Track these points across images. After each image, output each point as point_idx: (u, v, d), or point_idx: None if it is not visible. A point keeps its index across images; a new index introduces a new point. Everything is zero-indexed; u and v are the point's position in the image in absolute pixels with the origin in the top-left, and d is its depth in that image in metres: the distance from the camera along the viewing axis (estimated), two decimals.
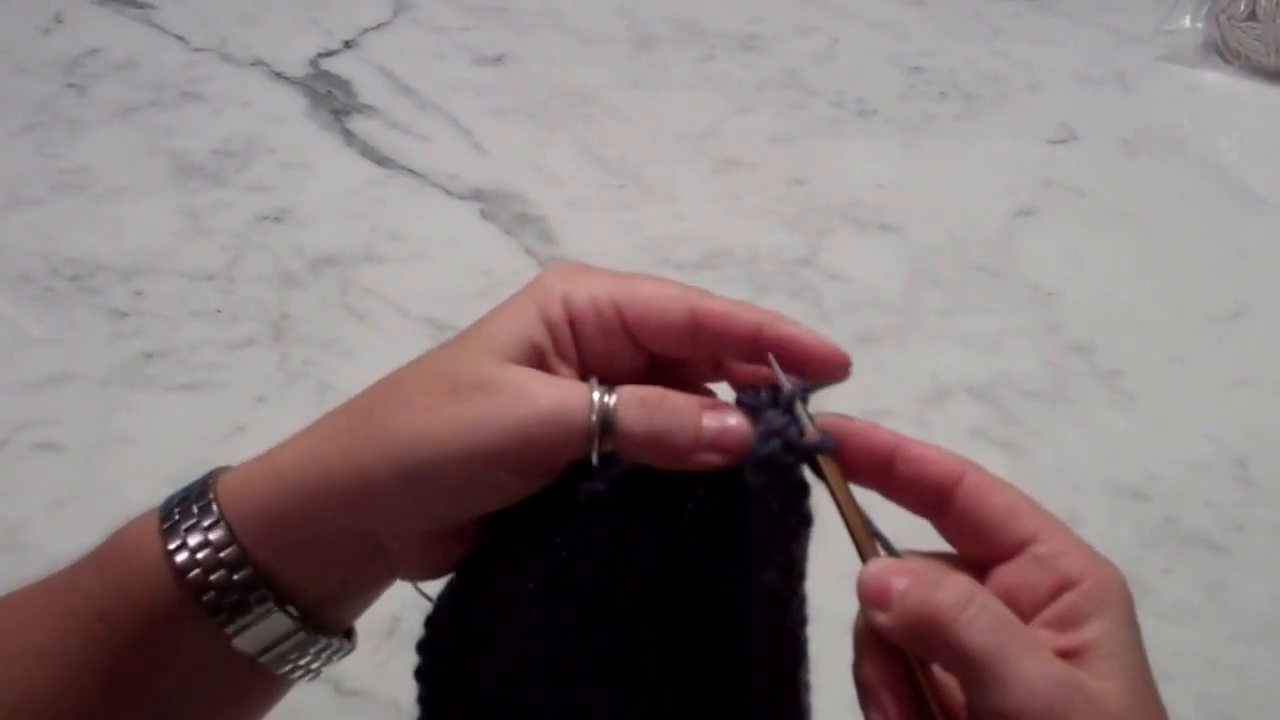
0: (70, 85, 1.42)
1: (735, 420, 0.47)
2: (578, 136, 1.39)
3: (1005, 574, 0.45)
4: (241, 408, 1.03)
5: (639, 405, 0.47)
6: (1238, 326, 1.17)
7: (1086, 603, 0.43)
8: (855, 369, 0.50)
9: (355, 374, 1.05)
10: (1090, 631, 0.43)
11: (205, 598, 0.47)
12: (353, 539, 0.48)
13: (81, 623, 0.48)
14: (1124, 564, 0.93)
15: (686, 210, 1.29)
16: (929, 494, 0.47)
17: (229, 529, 0.48)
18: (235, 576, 0.47)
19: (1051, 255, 1.24)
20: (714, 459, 0.47)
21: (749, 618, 0.48)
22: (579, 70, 1.50)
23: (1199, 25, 1.55)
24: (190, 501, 0.49)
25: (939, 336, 1.13)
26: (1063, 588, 0.44)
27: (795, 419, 0.47)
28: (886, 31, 1.60)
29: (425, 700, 0.52)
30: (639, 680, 0.51)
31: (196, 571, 0.47)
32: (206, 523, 0.48)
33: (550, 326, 0.48)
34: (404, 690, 0.74)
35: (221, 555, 0.47)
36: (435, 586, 0.52)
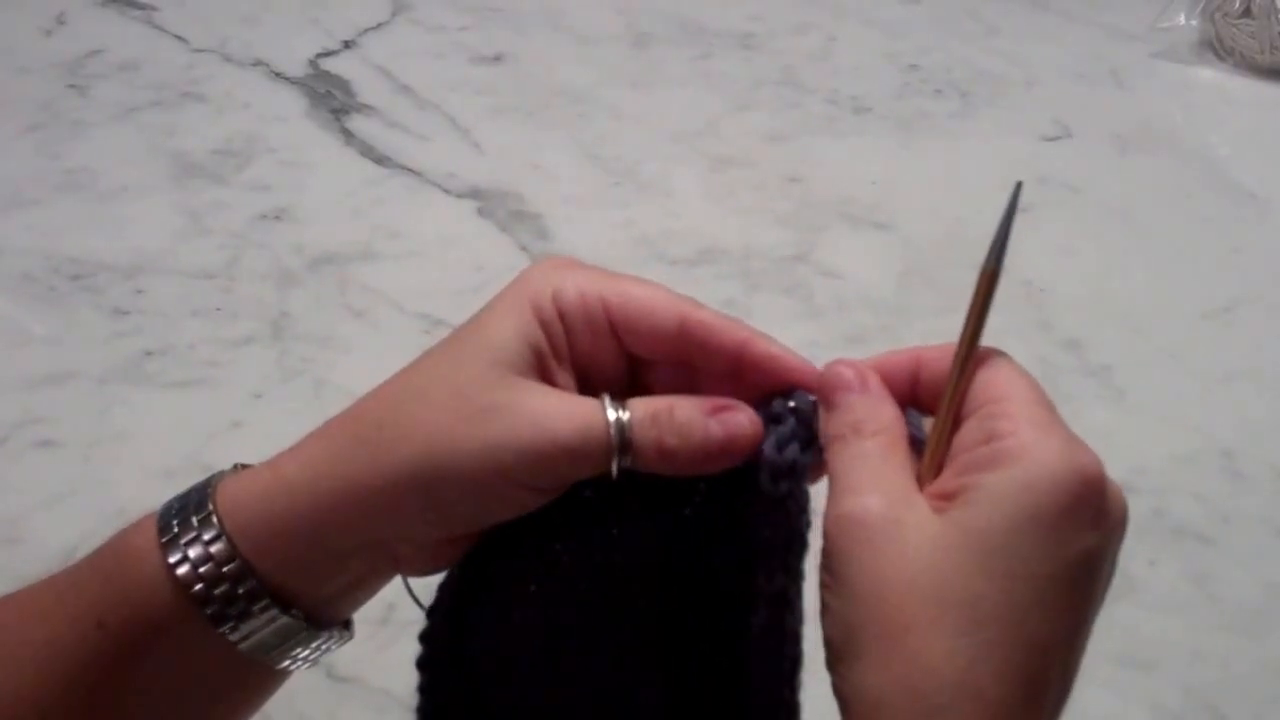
0: (72, 86, 1.43)
1: (745, 421, 0.48)
2: (575, 135, 1.40)
3: (963, 427, 0.46)
4: (238, 404, 1.04)
5: (652, 423, 0.47)
6: (1228, 321, 1.18)
7: (990, 454, 0.43)
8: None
9: (352, 370, 1.08)
10: (970, 480, 0.43)
11: (209, 609, 0.47)
12: (362, 547, 0.49)
13: (81, 629, 0.48)
14: None
15: (681, 207, 1.29)
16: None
17: (230, 542, 0.47)
18: (240, 589, 0.47)
19: (1044, 252, 1.25)
20: (723, 464, 0.48)
21: (753, 618, 0.49)
22: (576, 69, 1.51)
23: (1194, 22, 1.56)
24: (190, 511, 0.48)
25: (930, 334, 1.13)
26: (987, 440, 0.44)
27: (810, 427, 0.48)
28: (882, 30, 1.61)
29: (425, 689, 0.52)
30: (636, 675, 0.52)
31: (199, 586, 0.47)
32: (208, 535, 0.48)
33: (545, 325, 0.48)
34: (396, 678, 0.75)
35: (224, 569, 0.47)
36: (426, 590, 0.53)
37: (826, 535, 0.44)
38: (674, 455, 0.47)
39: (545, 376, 0.48)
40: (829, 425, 0.47)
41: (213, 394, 1.06)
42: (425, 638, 0.52)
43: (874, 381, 0.48)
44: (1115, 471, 1.01)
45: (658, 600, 0.51)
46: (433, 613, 0.52)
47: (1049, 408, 0.46)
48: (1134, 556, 0.94)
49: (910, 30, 1.61)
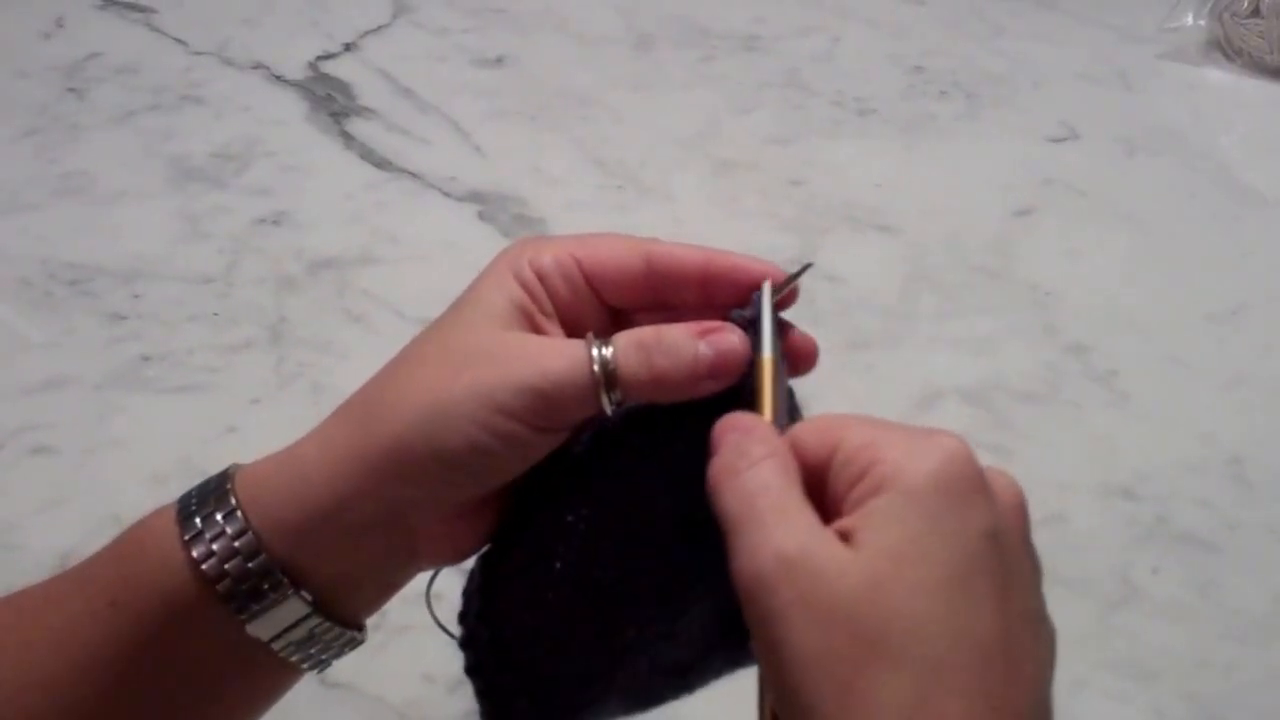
0: (70, 90, 1.43)
1: (734, 339, 0.49)
2: (577, 138, 1.39)
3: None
4: (235, 409, 1.04)
5: (637, 350, 0.48)
6: (1235, 325, 1.16)
7: (871, 484, 0.42)
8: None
9: (349, 375, 1.06)
10: (863, 511, 0.42)
11: (220, 585, 0.48)
12: (377, 519, 0.49)
13: (93, 608, 0.49)
14: (1113, 563, 0.93)
15: (684, 211, 1.29)
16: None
17: (244, 517, 0.49)
18: (250, 564, 0.48)
19: (1050, 255, 1.24)
20: (715, 385, 0.48)
21: None
22: (578, 72, 1.50)
23: (1202, 23, 1.55)
24: (209, 492, 0.50)
25: (933, 339, 1.13)
26: (861, 476, 0.43)
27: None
28: (887, 31, 1.60)
29: (473, 670, 0.53)
30: (675, 611, 0.52)
31: (211, 560, 0.48)
32: (222, 512, 0.49)
33: (526, 287, 0.51)
34: (390, 684, 0.75)
35: (237, 543, 0.48)
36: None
37: (743, 594, 0.42)
38: (664, 377, 0.48)
39: (534, 328, 0.50)
40: (714, 469, 0.45)
41: (210, 399, 1.05)
42: (462, 617, 0.53)
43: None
44: (1120, 478, 1.01)
45: (678, 540, 0.51)
46: (466, 593, 0.53)
47: (883, 421, 0.45)
48: (1137, 564, 0.94)
49: (915, 31, 1.60)
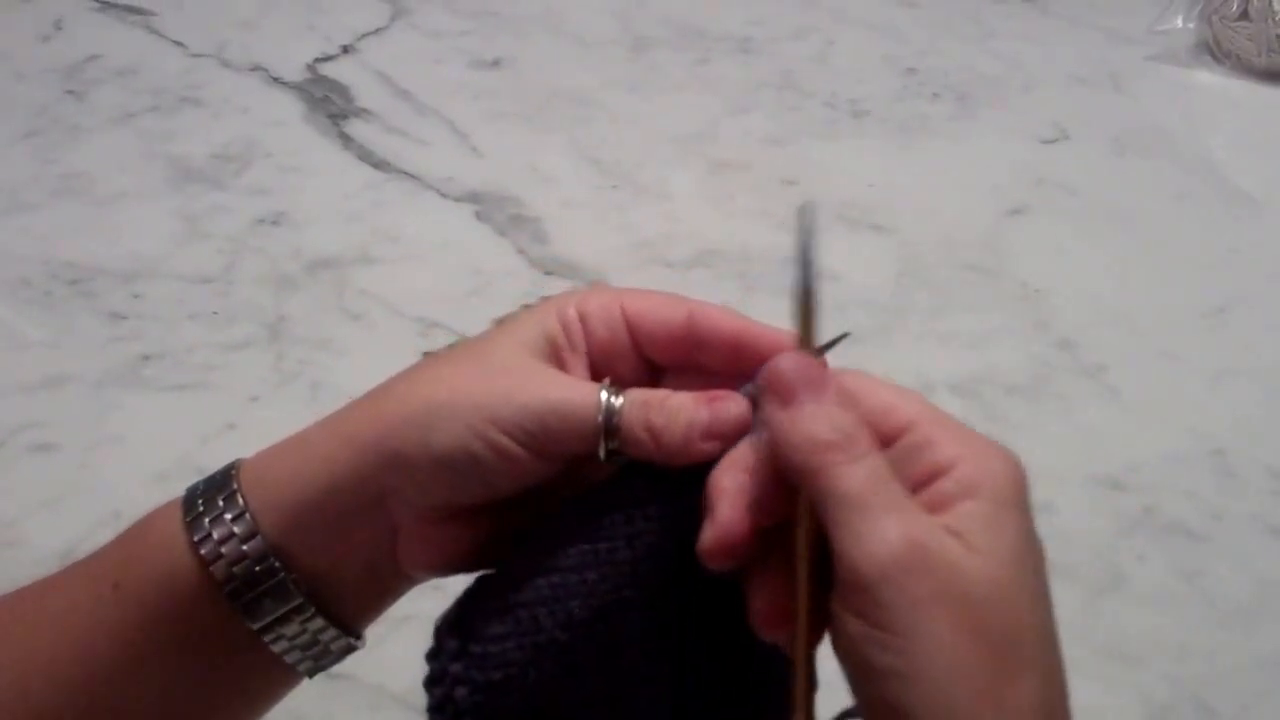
0: (70, 91, 1.44)
1: (733, 406, 0.48)
2: (573, 139, 1.40)
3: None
4: (234, 407, 1.04)
5: (641, 406, 0.48)
6: (1222, 321, 1.18)
7: (956, 488, 0.42)
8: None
9: (348, 373, 1.08)
10: (956, 514, 0.42)
11: (213, 567, 0.49)
12: (361, 505, 0.50)
13: (96, 591, 0.50)
14: (1100, 552, 0.94)
15: (680, 211, 1.30)
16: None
17: (245, 503, 0.50)
18: (245, 547, 0.49)
19: (1041, 254, 1.25)
20: (712, 446, 0.48)
21: None
22: (575, 73, 1.51)
23: (1191, 25, 1.56)
24: (215, 485, 0.51)
25: (925, 335, 1.14)
26: (933, 476, 0.43)
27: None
28: (881, 33, 1.61)
29: (434, 709, 0.51)
30: (650, 671, 0.51)
31: (210, 544, 0.49)
32: (223, 497, 0.50)
33: (565, 324, 0.51)
34: (390, 674, 0.75)
35: (236, 530, 0.49)
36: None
37: (869, 578, 0.41)
38: (659, 434, 0.48)
39: (560, 366, 0.51)
40: (801, 432, 0.44)
41: (209, 397, 1.06)
42: (428, 680, 0.51)
43: (834, 388, 0.45)
44: (1108, 469, 1.02)
45: (670, 598, 0.50)
46: (432, 655, 0.51)
47: (929, 406, 0.46)
48: (1124, 552, 0.95)
49: (908, 34, 1.61)
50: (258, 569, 0.49)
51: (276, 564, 0.49)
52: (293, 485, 0.50)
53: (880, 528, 0.41)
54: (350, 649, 0.54)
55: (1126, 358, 1.12)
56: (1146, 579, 0.93)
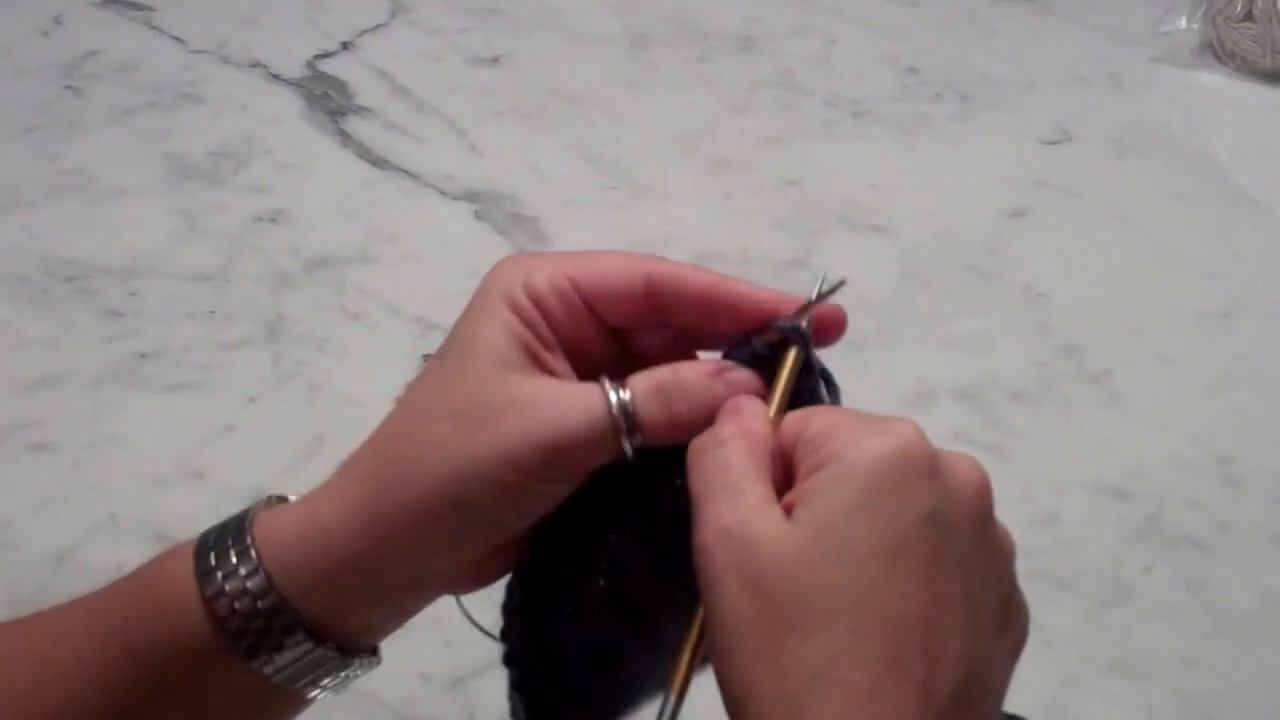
0: (69, 87, 1.43)
1: (746, 376, 0.48)
2: (572, 137, 1.39)
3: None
4: (232, 408, 1.04)
5: (658, 396, 0.48)
6: (1227, 326, 1.17)
7: (822, 458, 0.44)
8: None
9: (346, 374, 1.07)
10: (805, 485, 0.43)
11: (244, 644, 0.48)
12: (406, 580, 0.49)
13: (109, 655, 0.49)
14: (1105, 562, 0.94)
15: (679, 211, 1.29)
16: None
17: (268, 577, 0.48)
18: (275, 623, 0.48)
19: (1043, 256, 1.25)
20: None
21: None
22: (575, 71, 1.51)
23: (1195, 26, 1.55)
24: (227, 544, 0.49)
25: (927, 339, 1.14)
26: (814, 450, 0.44)
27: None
28: (882, 32, 1.61)
29: (518, 685, 0.53)
30: None
31: (236, 621, 0.48)
32: (245, 569, 0.48)
33: (524, 318, 0.49)
34: (386, 684, 0.75)
35: (260, 604, 0.48)
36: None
37: (695, 565, 0.44)
38: (684, 421, 0.47)
39: (541, 367, 0.49)
40: (690, 448, 0.47)
41: (207, 397, 1.05)
42: (509, 659, 0.52)
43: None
44: (1112, 477, 1.02)
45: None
46: (505, 609, 0.52)
47: (855, 412, 0.47)
48: (1128, 563, 0.94)
49: (910, 33, 1.61)
50: (289, 640, 0.48)
51: (303, 631, 0.48)
52: (321, 569, 0.48)
53: (700, 518, 0.44)
54: (372, 666, 0.53)
55: (1129, 363, 1.12)
56: (1152, 590, 0.92)
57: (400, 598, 0.51)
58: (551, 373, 0.49)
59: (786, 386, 0.48)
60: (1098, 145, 1.42)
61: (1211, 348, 1.15)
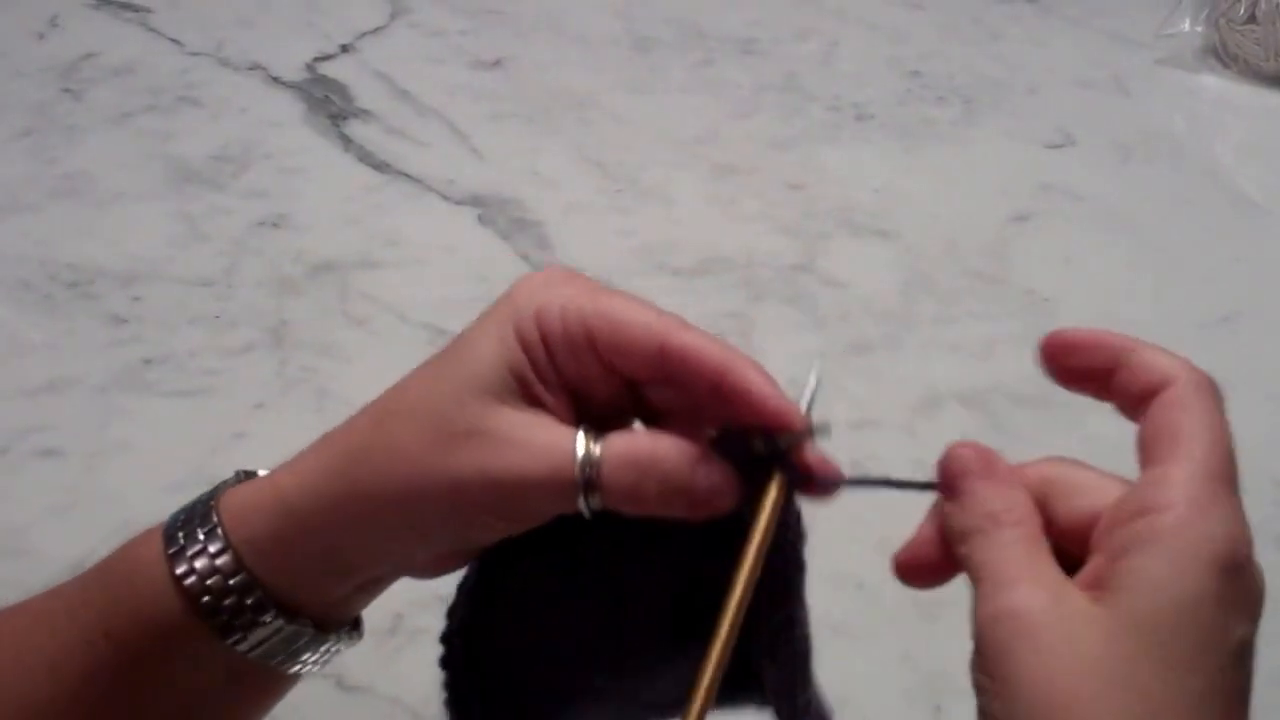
0: (66, 90, 1.42)
1: (724, 478, 0.46)
2: (575, 141, 1.39)
3: (1125, 493, 0.45)
4: (240, 414, 1.03)
5: (629, 465, 0.46)
6: (1229, 331, 1.17)
7: (1146, 535, 0.41)
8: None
9: (354, 380, 1.07)
10: (1125, 563, 0.41)
11: (217, 620, 0.48)
12: (363, 563, 0.49)
13: (89, 639, 0.49)
14: None
15: (683, 215, 1.29)
16: (1138, 398, 0.48)
17: (235, 553, 0.48)
18: (247, 600, 0.48)
19: (1047, 260, 1.24)
20: (702, 515, 0.47)
21: (761, 638, 0.49)
22: (577, 74, 1.50)
23: (1198, 29, 1.55)
24: (195, 524, 0.49)
25: (932, 343, 1.13)
26: (1141, 514, 0.42)
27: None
28: (885, 35, 1.61)
29: (450, 686, 0.53)
30: (650, 664, 0.52)
31: (207, 597, 0.48)
32: (213, 548, 0.48)
33: (528, 349, 0.47)
34: (406, 686, 0.75)
35: (231, 581, 0.48)
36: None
37: (982, 634, 0.42)
38: (649, 500, 0.46)
39: (530, 398, 0.47)
40: (960, 518, 0.46)
41: (214, 403, 1.05)
42: (446, 638, 0.52)
43: (1001, 465, 0.47)
44: None
45: (667, 600, 0.51)
46: (451, 613, 0.52)
47: (1222, 471, 0.44)
48: None
49: (913, 36, 1.61)
50: (262, 617, 0.49)
51: (275, 608, 0.49)
52: (282, 546, 0.49)
53: (992, 588, 0.42)
54: (354, 641, 0.54)
55: None
56: None
57: (362, 575, 0.50)
58: (541, 405, 0.47)
59: (771, 517, 0.47)
60: (1101, 149, 1.42)
61: (1213, 351, 1.14)
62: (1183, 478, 0.43)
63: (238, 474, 0.52)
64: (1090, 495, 0.46)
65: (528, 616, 0.52)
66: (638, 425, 0.51)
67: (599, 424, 0.47)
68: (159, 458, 0.99)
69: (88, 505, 0.95)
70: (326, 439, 0.50)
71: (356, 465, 0.48)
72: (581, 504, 0.46)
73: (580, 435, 0.46)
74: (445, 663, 0.52)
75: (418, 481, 0.46)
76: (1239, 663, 0.40)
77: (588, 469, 0.46)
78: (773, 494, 0.47)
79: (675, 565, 0.50)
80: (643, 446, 0.46)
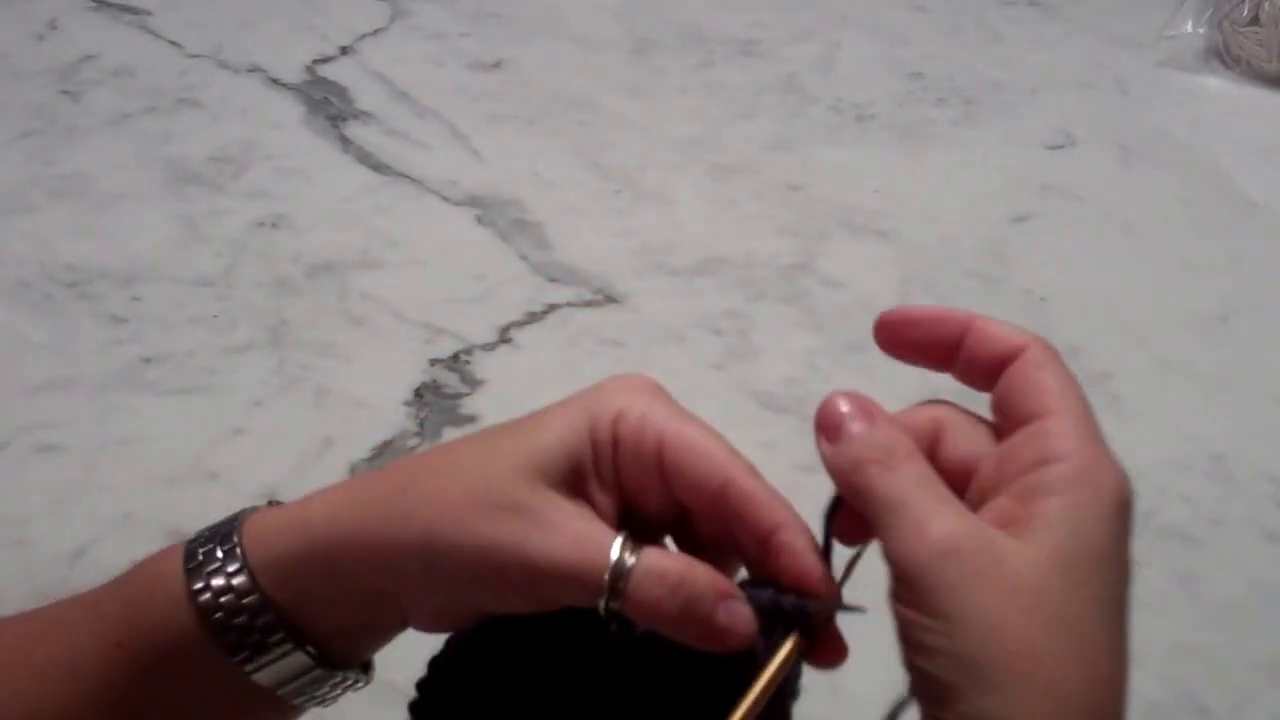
0: (65, 92, 1.42)
1: (746, 620, 0.47)
2: (575, 142, 1.39)
3: (1009, 443, 0.46)
4: (239, 412, 1.03)
5: (658, 581, 0.46)
6: (1225, 329, 1.17)
7: (1054, 481, 0.43)
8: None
9: (352, 379, 1.07)
10: (1040, 506, 0.42)
11: (227, 639, 0.48)
12: (371, 594, 0.49)
13: (102, 648, 0.49)
14: None
15: (683, 216, 1.29)
16: (989, 365, 0.48)
17: (251, 574, 0.48)
18: (257, 621, 0.48)
19: (1046, 261, 1.24)
20: (710, 648, 0.47)
21: None
22: (577, 76, 1.50)
23: (1201, 30, 1.55)
24: (216, 543, 0.49)
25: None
26: (1041, 462, 0.44)
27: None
28: (886, 37, 1.60)
29: None
30: None
31: (219, 614, 0.48)
32: (231, 567, 0.48)
33: (596, 445, 0.48)
34: (399, 670, 0.74)
35: (244, 601, 0.48)
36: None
37: (913, 568, 0.42)
38: (667, 617, 0.46)
39: (581, 492, 0.48)
40: (853, 447, 0.46)
41: (212, 401, 1.05)
42: (412, 708, 0.52)
43: (880, 413, 0.47)
44: None
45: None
46: (421, 686, 0.52)
47: (1093, 420, 0.46)
48: None
49: (914, 38, 1.60)
50: (271, 640, 0.48)
51: (284, 631, 0.48)
52: (295, 563, 0.49)
53: (915, 524, 0.43)
54: (362, 683, 0.53)
55: (1130, 366, 1.12)
56: (1143, 582, 0.92)
57: (364, 611, 0.50)
58: (588, 502, 0.48)
59: (778, 673, 0.47)
60: (1102, 150, 1.41)
61: (1210, 350, 1.15)
62: (1069, 429, 0.45)
63: (269, 503, 0.52)
64: (966, 442, 0.47)
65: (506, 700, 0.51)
66: (669, 543, 0.51)
67: (637, 533, 0.47)
68: (158, 453, 0.99)
69: (87, 498, 0.96)
70: (367, 474, 0.50)
71: (391, 505, 0.48)
72: (601, 603, 0.46)
73: (619, 540, 0.47)
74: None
75: (450, 538, 0.46)
76: (1127, 587, 0.43)
77: (619, 573, 0.46)
78: (785, 652, 0.47)
79: (665, 690, 0.50)
80: (676, 566, 0.47)
